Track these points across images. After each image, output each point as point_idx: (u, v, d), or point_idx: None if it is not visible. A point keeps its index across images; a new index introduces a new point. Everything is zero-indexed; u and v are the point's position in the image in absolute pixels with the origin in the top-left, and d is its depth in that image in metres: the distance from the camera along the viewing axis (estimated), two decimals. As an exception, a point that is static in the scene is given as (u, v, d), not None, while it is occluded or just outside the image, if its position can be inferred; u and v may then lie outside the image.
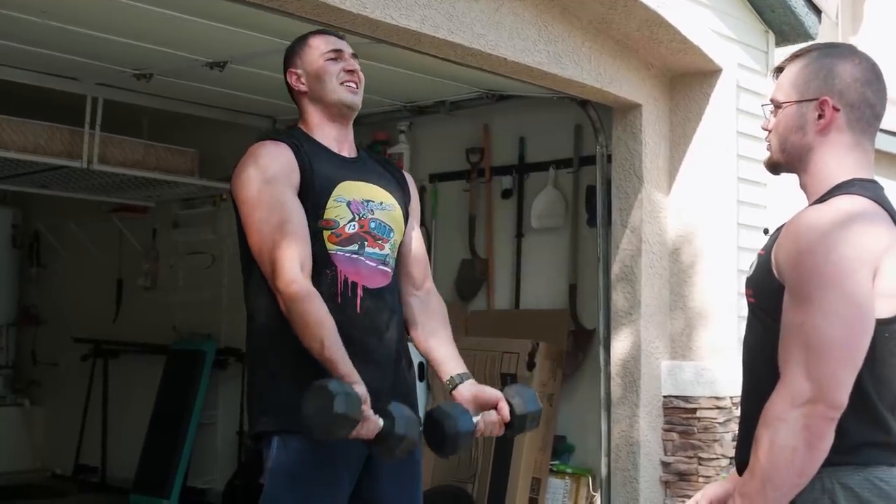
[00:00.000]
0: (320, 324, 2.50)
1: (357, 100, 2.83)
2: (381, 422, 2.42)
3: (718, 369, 4.81)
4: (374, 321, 2.71)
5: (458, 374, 2.76)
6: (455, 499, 5.11)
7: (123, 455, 6.90)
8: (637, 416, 4.81)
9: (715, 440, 4.77)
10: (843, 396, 1.81)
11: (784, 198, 5.17)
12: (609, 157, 5.07)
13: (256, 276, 2.67)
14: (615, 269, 4.94)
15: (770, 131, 2.10)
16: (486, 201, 5.80)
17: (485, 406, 2.69)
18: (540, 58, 4.26)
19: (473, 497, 5.19)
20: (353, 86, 2.81)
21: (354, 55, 2.86)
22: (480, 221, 5.82)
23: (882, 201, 1.94)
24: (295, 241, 2.59)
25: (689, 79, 4.99)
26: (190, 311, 6.96)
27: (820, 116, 1.99)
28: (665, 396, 4.90)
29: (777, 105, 2.08)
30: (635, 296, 4.85)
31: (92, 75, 5.11)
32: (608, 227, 5.04)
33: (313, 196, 2.68)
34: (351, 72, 2.80)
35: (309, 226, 2.65)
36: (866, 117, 2.00)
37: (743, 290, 5.29)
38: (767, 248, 1.97)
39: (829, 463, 1.85)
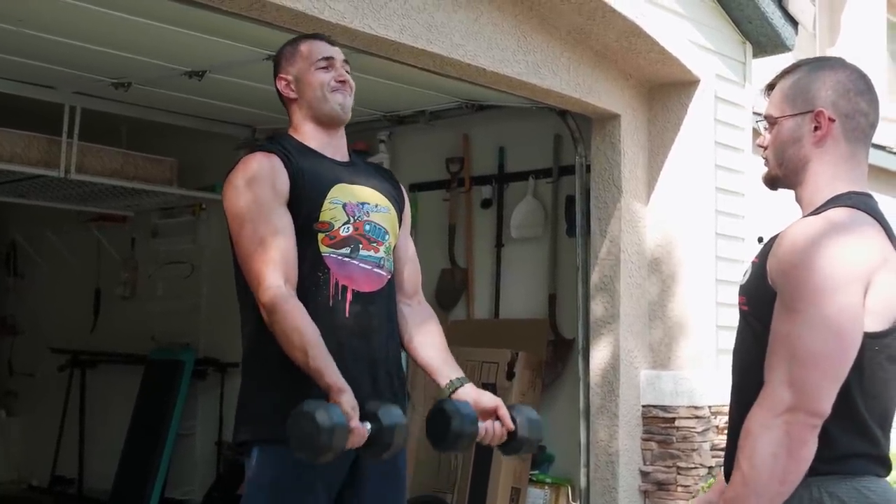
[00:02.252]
0: (302, 332, 2.49)
1: (347, 109, 2.81)
2: (368, 427, 2.40)
3: (697, 379, 4.82)
4: (363, 325, 2.70)
5: (458, 378, 2.73)
6: (434, 509, 5.11)
7: (101, 466, 6.84)
8: (616, 426, 4.81)
9: (693, 449, 4.78)
10: (824, 405, 1.82)
11: (762, 208, 5.20)
12: (588, 167, 5.08)
13: (247, 288, 2.66)
14: (594, 278, 4.95)
15: (766, 147, 2.11)
16: (466, 211, 5.81)
17: (483, 412, 2.68)
18: (519, 68, 4.27)
19: (453, 507, 5.19)
20: (343, 95, 2.79)
21: (346, 61, 2.85)
22: (460, 231, 5.82)
23: (877, 214, 1.95)
24: (278, 254, 2.57)
25: (667, 89, 5.01)
26: (169, 321, 6.92)
27: (816, 128, 2.01)
28: (644, 406, 4.91)
29: (772, 121, 2.09)
30: (614, 305, 4.86)
31: (70, 84, 5.09)
32: (587, 236, 5.05)
33: (307, 200, 2.66)
34: (342, 82, 2.79)
35: (304, 228, 2.63)
36: (861, 126, 2.03)
37: (721, 299, 5.30)
38: (762, 257, 1.98)
39: (817, 472, 1.85)
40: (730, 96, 5.15)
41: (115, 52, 4.40)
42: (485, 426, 2.62)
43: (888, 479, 1.97)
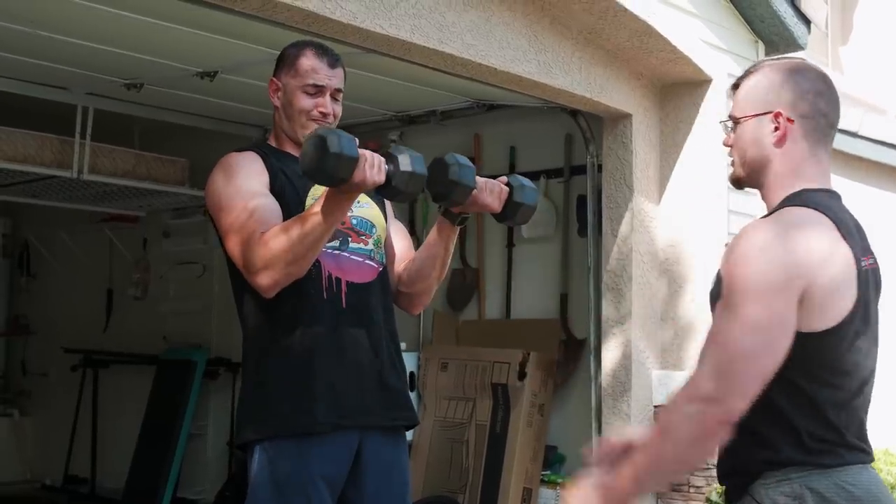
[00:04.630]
0: (292, 226, 2.46)
1: None
2: (385, 165, 2.42)
3: (709, 379, 4.80)
4: (360, 316, 2.71)
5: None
6: (446, 509, 5.10)
7: (113, 466, 6.87)
8: (628, 426, 4.80)
9: (706, 450, 4.76)
10: (740, 403, 1.85)
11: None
12: (599, 167, 5.07)
13: (242, 285, 2.67)
14: (605, 278, 4.94)
15: (731, 147, 2.17)
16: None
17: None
18: (530, 67, 4.27)
19: (464, 507, 5.19)
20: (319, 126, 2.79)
21: (340, 90, 2.81)
22: (471, 231, 5.81)
23: (829, 211, 1.97)
24: (268, 216, 2.56)
25: (679, 89, 5.00)
26: (180, 321, 6.94)
27: (776, 129, 2.06)
28: (656, 406, 4.89)
29: (735, 121, 2.14)
30: (625, 305, 4.85)
31: (82, 85, 5.11)
32: (598, 236, 5.04)
33: (288, 199, 2.68)
34: (324, 114, 2.77)
35: None
36: (821, 127, 2.06)
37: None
38: (721, 262, 2.03)
39: (792, 462, 1.90)
40: (742, 95, 5.13)
41: (128, 53, 4.42)
42: (483, 180, 2.66)
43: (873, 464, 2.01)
